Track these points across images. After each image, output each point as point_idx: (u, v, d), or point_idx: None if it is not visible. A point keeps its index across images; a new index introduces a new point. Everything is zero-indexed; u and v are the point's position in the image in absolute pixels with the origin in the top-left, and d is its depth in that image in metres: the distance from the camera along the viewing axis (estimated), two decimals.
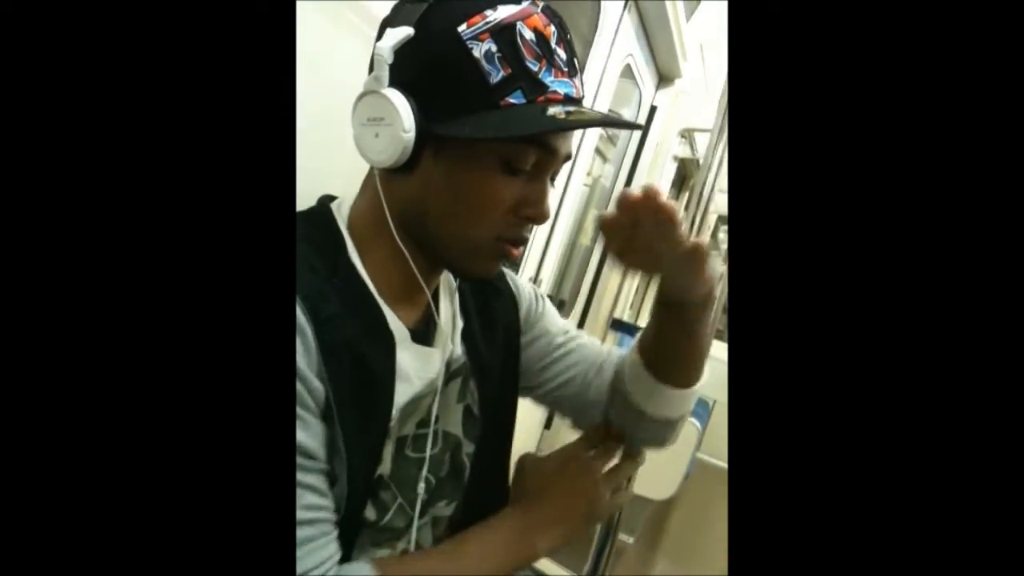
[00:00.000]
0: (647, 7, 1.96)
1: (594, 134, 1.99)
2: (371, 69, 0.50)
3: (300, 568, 0.45)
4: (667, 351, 0.63)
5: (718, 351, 0.82)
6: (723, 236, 5.29)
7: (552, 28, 0.52)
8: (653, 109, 2.51)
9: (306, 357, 0.46)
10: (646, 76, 2.28)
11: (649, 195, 0.47)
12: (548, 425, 2.32)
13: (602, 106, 1.90)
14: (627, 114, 2.35)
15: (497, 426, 0.67)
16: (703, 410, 3.20)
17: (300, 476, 0.46)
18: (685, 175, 3.97)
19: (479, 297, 0.67)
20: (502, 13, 0.50)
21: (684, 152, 3.28)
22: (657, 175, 2.77)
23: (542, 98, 0.51)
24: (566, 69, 0.53)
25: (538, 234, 1.81)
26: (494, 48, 0.49)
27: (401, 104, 0.48)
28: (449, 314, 0.64)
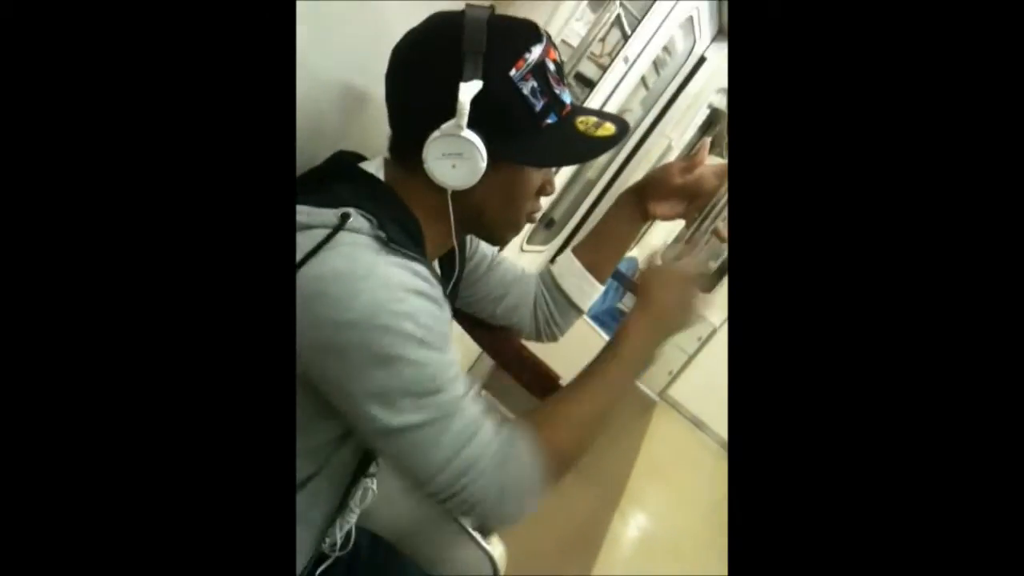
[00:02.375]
0: None
1: (636, 73, 1.98)
2: (431, 114, 0.59)
3: (476, 440, 0.56)
4: (612, 256, 0.89)
5: None
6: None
7: (556, 52, 0.65)
8: (702, 60, 2.46)
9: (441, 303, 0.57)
10: (705, 29, 2.22)
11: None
12: None
13: (649, 55, 1.88)
14: (675, 60, 2.31)
15: None
16: None
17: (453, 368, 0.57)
18: (713, 121, 3.93)
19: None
20: (535, 53, 0.62)
21: (720, 103, 3.24)
22: (688, 120, 2.77)
23: (564, 112, 0.66)
24: (564, 80, 0.66)
25: None
26: (536, 85, 0.62)
27: (479, 144, 0.60)
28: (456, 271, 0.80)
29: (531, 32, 0.63)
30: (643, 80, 2.29)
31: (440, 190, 0.63)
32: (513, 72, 0.60)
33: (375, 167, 0.67)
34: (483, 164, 0.60)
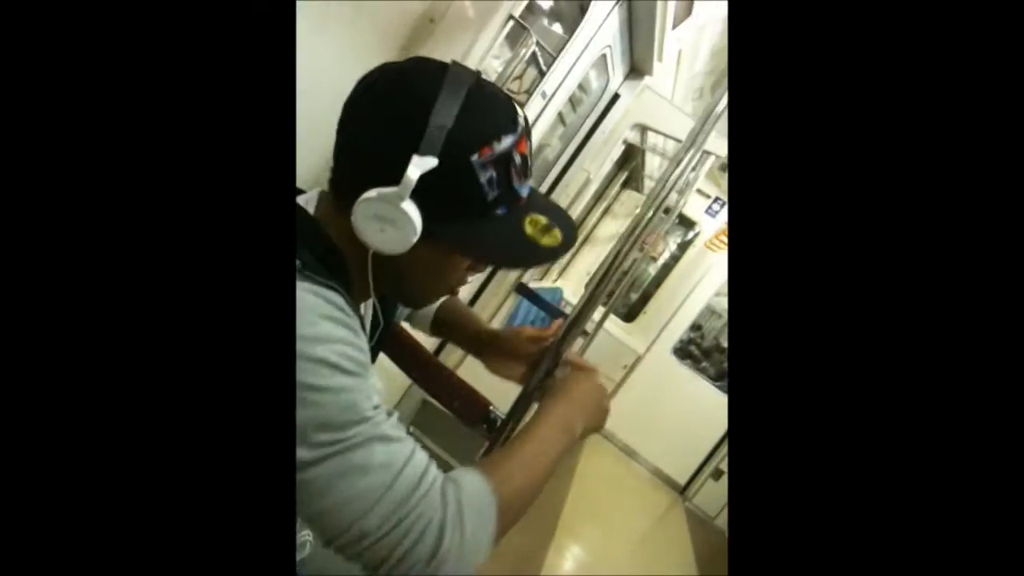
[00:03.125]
0: (638, 5, 1.99)
1: (552, 109, 2.04)
2: (375, 171, 0.55)
3: (412, 470, 0.52)
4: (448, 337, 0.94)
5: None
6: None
7: (528, 144, 0.61)
8: (616, 97, 2.57)
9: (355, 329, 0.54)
10: (618, 67, 2.33)
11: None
12: None
13: (567, 90, 1.95)
14: (590, 97, 2.40)
15: None
16: None
17: (377, 411, 0.53)
18: (629, 156, 4.09)
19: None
20: (504, 143, 0.57)
21: (634, 138, 3.38)
22: (605, 154, 2.86)
23: (517, 204, 0.62)
24: (528, 174, 0.63)
25: None
26: (494, 175, 0.58)
27: (416, 218, 0.55)
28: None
29: (507, 117, 0.58)
30: (560, 116, 2.36)
31: (363, 243, 0.59)
32: (475, 158, 0.56)
33: (306, 199, 0.64)
34: (414, 239, 0.56)
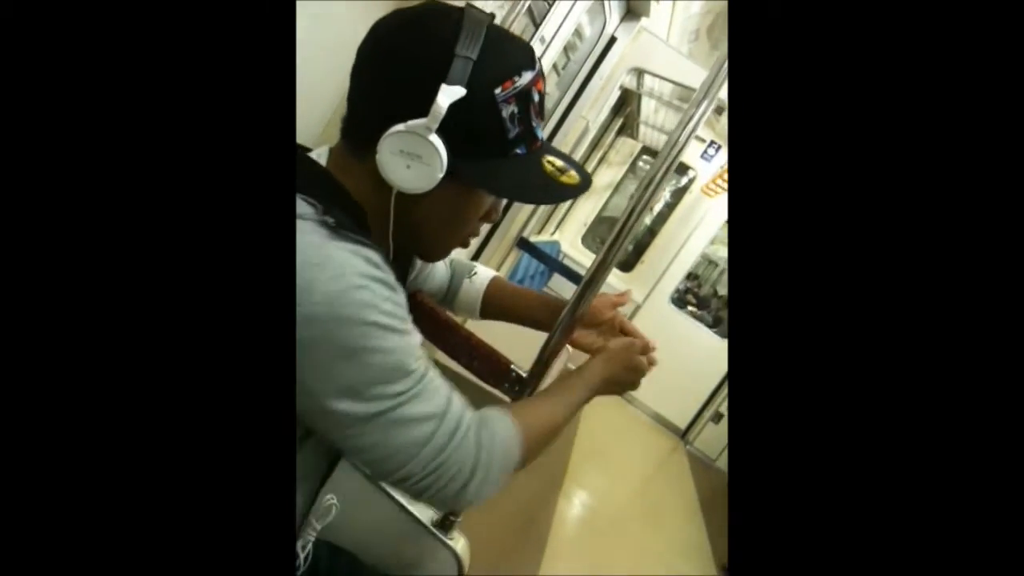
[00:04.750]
0: None
1: (548, 59, 1.98)
2: (401, 105, 0.55)
3: (450, 419, 0.56)
4: (509, 317, 0.93)
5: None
6: (641, 164, 5.47)
7: (544, 83, 0.61)
8: (613, 40, 2.50)
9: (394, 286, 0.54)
10: (614, 9, 2.25)
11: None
12: None
13: (564, 36, 1.89)
14: (585, 44, 2.33)
15: None
16: None
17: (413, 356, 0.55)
18: (624, 102, 4.01)
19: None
20: (525, 78, 0.58)
21: (630, 83, 3.31)
22: (603, 101, 2.80)
23: (534, 146, 0.62)
24: (543, 115, 0.62)
25: None
26: (516, 111, 0.58)
27: (443, 150, 0.55)
28: None
29: (526, 55, 0.59)
30: (554, 67, 2.30)
31: (384, 188, 0.58)
32: (498, 91, 0.56)
33: (316, 155, 0.62)
34: (440, 175, 0.56)
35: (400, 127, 0.54)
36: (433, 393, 0.56)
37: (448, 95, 0.53)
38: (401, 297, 0.55)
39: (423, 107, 0.54)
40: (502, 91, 0.56)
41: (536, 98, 0.60)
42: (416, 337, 0.55)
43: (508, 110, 0.57)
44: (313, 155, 0.62)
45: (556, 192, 0.63)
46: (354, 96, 0.60)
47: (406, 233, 0.63)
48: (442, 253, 0.70)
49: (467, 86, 0.54)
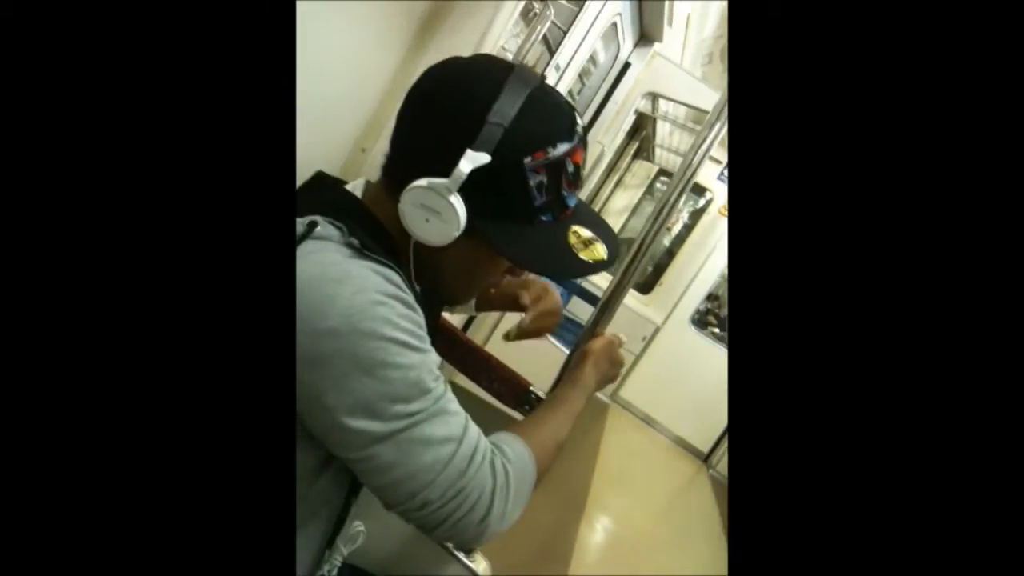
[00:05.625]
0: None
1: (564, 86, 2.01)
2: (430, 160, 0.56)
3: (468, 443, 0.55)
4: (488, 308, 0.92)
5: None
6: (658, 185, 5.48)
7: (583, 154, 0.61)
8: (627, 65, 2.53)
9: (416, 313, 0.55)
10: (628, 35, 2.29)
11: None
12: None
13: (579, 63, 1.92)
14: (600, 69, 2.36)
15: None
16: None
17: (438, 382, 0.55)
18: (639, 126, 4.05)
19: None
20: (560, 150, 0.58)
21: (645, 107, 3.34)
22: (618, 125, 2.83)
23: (563, 215, 0.62)
24: (579, 184, 0.62)
25: None
26: (544, 181, 0.58)
27: (461, 212, 0.56)
28: None
29: (566, 126, 0.59)
30: (569, 93, 2.33)
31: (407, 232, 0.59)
32: (528, 160, 0.56)
33: (352, 187, 0.64)
34: (456, 233, 0.57)
35: (422, 183, 0.56)
36: (452, 415, 0.55)
37: (471, 160, 0.54)
38: (420, 317, 0.55)
39: (448, 167, 0.55)
40: (532, 160, 0.56)
41: (570, 169, 0.59)
42: (434, 357, 0.55)
43: (536, 179, 0.57)
44: (349, 187, 0.64)
45: (574, 267, 0.62)
46: (394, 138, 0.61)
47: (428, 277, 0.64)
48: (463, 301, 0.71)
49: (495, 153, 0.55)
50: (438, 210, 0.56)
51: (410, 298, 0.54)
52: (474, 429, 0.57)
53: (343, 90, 1.03)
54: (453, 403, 0.56)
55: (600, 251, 0.64)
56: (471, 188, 0.55)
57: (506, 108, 0.55)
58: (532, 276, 0.84)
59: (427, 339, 0.55)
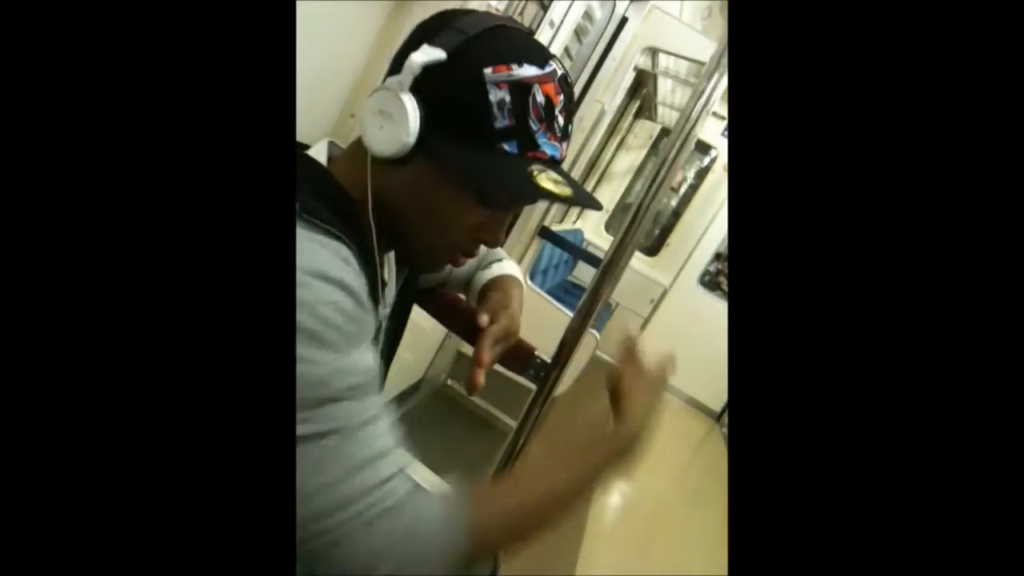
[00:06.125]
0: None
1: (559, 43, 1.96)
2: (392, 70, 0.55)
3: (362, 479, 0.45)
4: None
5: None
6: (662, 145, 5.40)
7: (561, 97, 0.57)
8: (624, 20, 2.46)
9: (359, 290, 0.49)
10: None
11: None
12: None
13: (573, 19, 1.86)
14: (596, 26, 2.30)
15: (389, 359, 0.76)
16: (605, 313, 3.46)
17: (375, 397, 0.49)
18: (640, 83, 3.96)
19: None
20: (526, 71, 0.54)
21: (644, 64, 3.25)
22: (617, 83, 2.76)
23: (531, 153, 0.56)
24: (560, 135, 0.57)
25: None
26: (507, 99, 0.54)
27: (412, 111, 0.53)
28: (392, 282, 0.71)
29: (536, 53, 0.55)
30: (566, 51, 2.27)
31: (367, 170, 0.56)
32: (488, 70, 0.53)
33: (316, 151, 0.61)
34: (408, 138, 0.53)
35: (379, 87, 0.54)
36: (359, 440, 0.46)
37: (425, 54, 0.53)
38: (362, 311, 0.49)
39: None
40: (493, 72, 0.53)
41: (541, 100, 0.55)
42: (361, 362, 0.48)
43: (497, 95, 0.53)
44: (312, 150, 0.61)
45: (534, 191, 0.54)
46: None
47: (391, 230, 0.59)
48: (429, 257, 0.64)
49: (452, 55, 0.53)
50: (390, 112, 0.53)
51: (352, 279, 0.48)
52: (389, 465, 0.47)
53: (328, 56, 1.00)
54: (379, 429, 0.48)
55: (567, 191, 0.57)
56: (428, 95, 0.53)
57: (473, 22, 0.54)
58: (495, 296, 0.77)
59: (357, 343, 0.48)
